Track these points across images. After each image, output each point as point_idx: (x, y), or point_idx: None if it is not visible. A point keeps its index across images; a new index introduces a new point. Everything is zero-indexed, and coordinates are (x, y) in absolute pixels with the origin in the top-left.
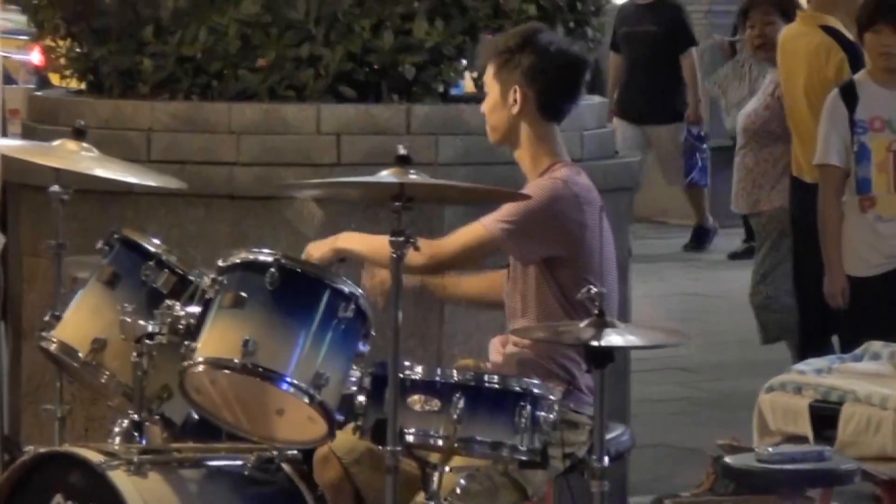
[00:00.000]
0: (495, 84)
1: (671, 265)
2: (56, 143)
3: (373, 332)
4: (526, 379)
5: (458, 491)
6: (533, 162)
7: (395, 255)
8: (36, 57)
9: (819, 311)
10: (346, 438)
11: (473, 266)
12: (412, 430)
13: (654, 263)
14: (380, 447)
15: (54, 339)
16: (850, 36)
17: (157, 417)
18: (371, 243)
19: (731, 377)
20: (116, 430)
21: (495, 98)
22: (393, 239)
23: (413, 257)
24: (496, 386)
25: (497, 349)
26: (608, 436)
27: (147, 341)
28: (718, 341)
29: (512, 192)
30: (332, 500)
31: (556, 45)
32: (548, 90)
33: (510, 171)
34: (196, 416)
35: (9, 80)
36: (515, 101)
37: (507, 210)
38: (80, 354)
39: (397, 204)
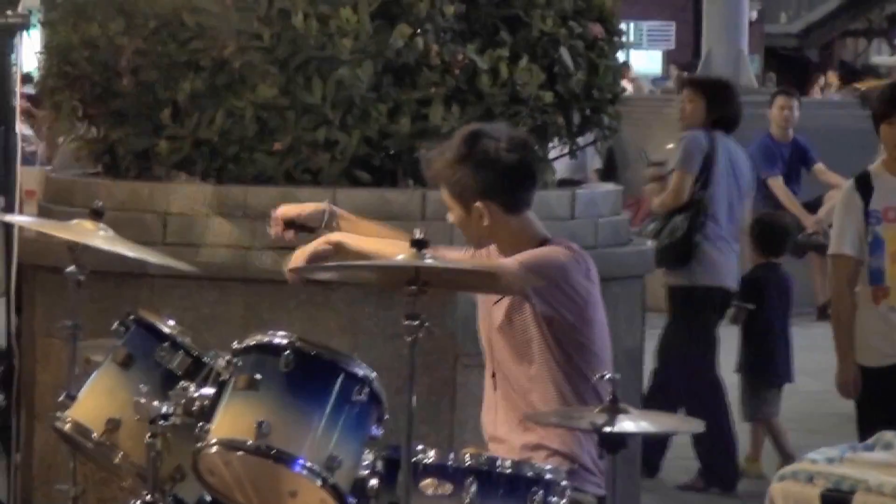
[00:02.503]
0: (455, 204)
1: None
2: (73, 222)
3: (386, 416)
4: (538, 464)
5: None
6: (521, 248)
7: (409, 339)
8: None
9: None
10: None
11: None
12: None
13: None
14: None
15: (69, 419)
16: None
17: (170, 499)
18: (371, 245)
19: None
20: None
21: (460, 216)
22: (408, 324)
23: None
24: (508, 471)
25: (497, 432)
26: None
27: (161, 422)
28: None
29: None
30: None
31: (496, 145)
32: (509, 192)
33: None
34: (209, 498)
35: (25, 160)
36: (482, 216)
37: (529, 254)
38: (95, 434)
39: (413, 288)
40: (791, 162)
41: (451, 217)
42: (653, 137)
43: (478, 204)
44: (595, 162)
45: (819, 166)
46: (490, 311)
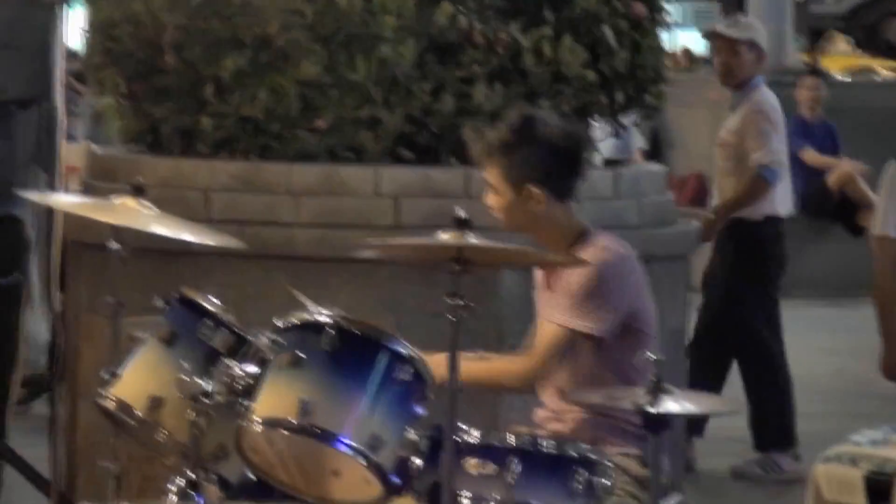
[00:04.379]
0: (505, 186)
1: None
2: (115, 200)
3: (430, 395)
4: (582, 444)
5: None
6: (560, 240)
7: (452, 318)
8: None
9: None
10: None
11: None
12: (467, 494)
13: None
14: None
15: (111, 397)
16: None
17: (213, 477)
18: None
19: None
20: (172, 488)
21: (508, 198)
22: (451, 302)
23: (512, 376)
24: (552, 451)
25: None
26: None
27: (204, 400)
28: None
29: (571, 256)
30: None
31: (553, 131)
32: (561, 178)
33: None
34: (252, 476)
35: (69, 136)
36: (532, 197)
37: (581, 302)
38: (137, 412)
39: (455, 267)
40: (821, 142)
41: (491, 200)
42: (696, 118)
43: (532, 187)
44: (640, 142)
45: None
46: (550, 297)
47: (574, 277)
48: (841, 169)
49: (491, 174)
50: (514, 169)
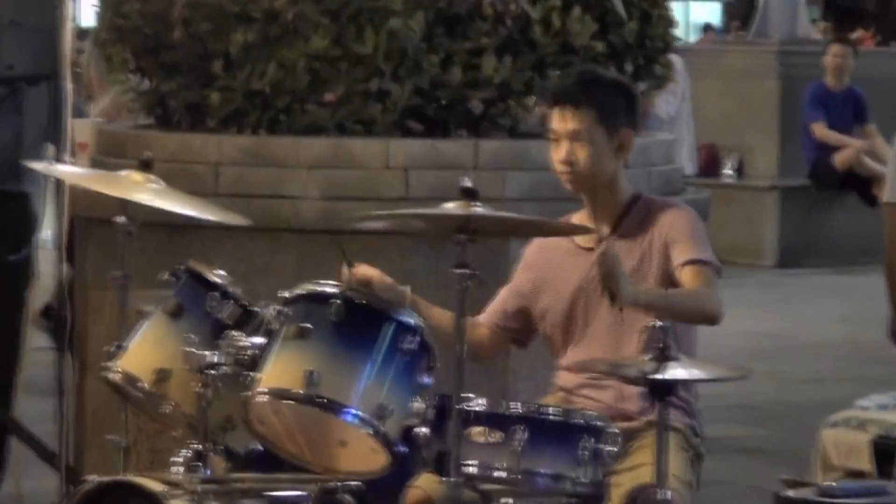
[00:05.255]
0: (600, 129)
1: (735, 307)
2: (122, 173)
3: (437, 365)
4: (588, 412)
5: None
6: (618, 202)
7: (459, 288)
8: None
9: None
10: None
11: None
12: (474, 462)
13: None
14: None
15: (118, 370)
16: None
17: (220, 448)
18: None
19: (794, 415)
20: (179, 459)
21: (602, 145)
22: (458, 272)
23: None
24: (559, 419)
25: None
26: None
27: (211, 372)
28: (783, 380)
29: (580, 226)
30: None
31: (630, 83)
32: (636, 126)
33: (577, 207)
34: (259, 448)
35: (78, 112)
36: (624, 144)
37: (701, 240)
38: (144, 384)
39: (462, 236)
40: (842, 111)
41: (577, 151)
42: (709, 88)
43: (626, 130)
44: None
45: (870, 127)
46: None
47: (671, 224)
48: (846, 152)
49: (579, 121)
50: (611, 113)
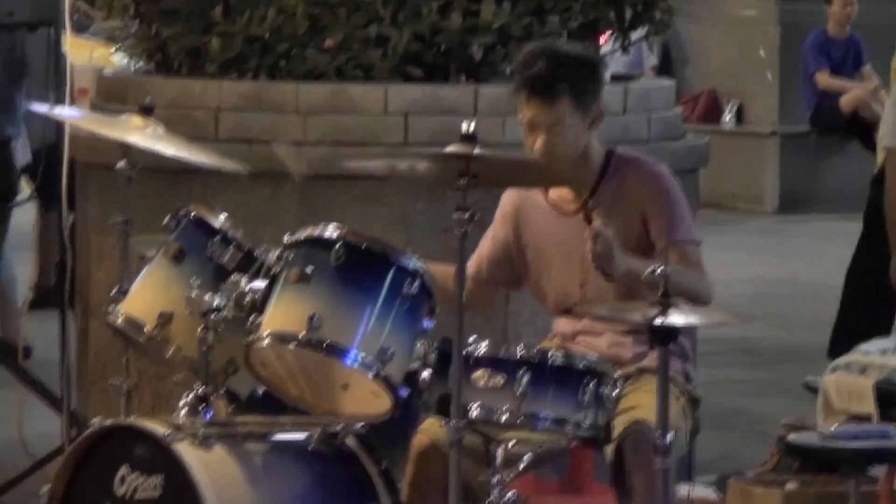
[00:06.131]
0: (576, 112)
1: (736, 252)
2: (123, 117)
3: (437, 309)
4: (590, 355)
5: None
6: (596, 163)
7: (459, 233)
8: None
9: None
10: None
11: None
12: (476, 406)
13: (718, 252)
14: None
15: (121, 314)
16: None
17: (223, 392)
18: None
19: (795, 359)
20: (182, 403)
21: (578, 125)
22: (458, 216)
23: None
24: (560, 363)
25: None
26: None
27: (213, 315)
28: (784, 324)
29: (569, 175)
30: (442, 497)
31: (592, 54)
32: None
33: None
34: (261, 391)
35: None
36: (598, 117)
37: (682, 215)
38: (146, 329)
39: (462, 181)
40: (843, 59)
41: (553, 136)
42: (709, 34)
43: (596, 106)
44: (651, 59)
45: (866, 68)
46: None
47: (649, 197)
48: (853, 93)
49: (557, 111)
50: (583, 94)
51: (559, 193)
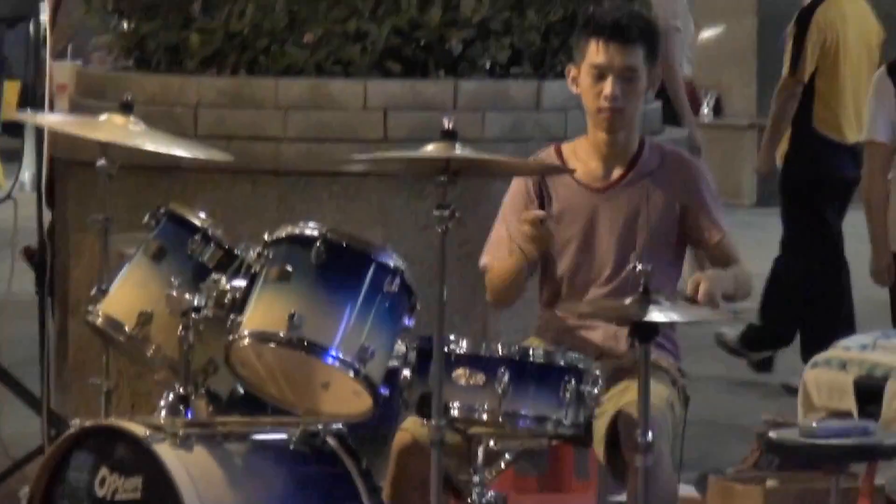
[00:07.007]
0: (644, 69)
1: None
2: (103, 117)
3: (418, 307)
4: (571, 353)
5: None
6: (633, 139)
7: (440, 230)
8: None
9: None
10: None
11: None
12: (457, 404)
13: None
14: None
15: (100, 313)
16: None
17: (203, 391)
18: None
19: (776, 355)
20: (162, 403)
21: (643, 85)
22: (438, 213)
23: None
24: (541, 360)
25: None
26: None
27: (193, 315)
28: None
29: (557, 166)
30: (423, 495)
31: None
32: None
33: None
34: (241, 390)
35: (59, 53)
36: (652, 84)
37: (718, 204)
38: (126, 328)
39: (443, 178)
40: None
41: (623, 87)
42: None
43: (657, 70)
44: None
45: None
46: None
47: (693, 189)
48: None
49: (634, 57)
50: (653, 49)
51: (588, 169)
